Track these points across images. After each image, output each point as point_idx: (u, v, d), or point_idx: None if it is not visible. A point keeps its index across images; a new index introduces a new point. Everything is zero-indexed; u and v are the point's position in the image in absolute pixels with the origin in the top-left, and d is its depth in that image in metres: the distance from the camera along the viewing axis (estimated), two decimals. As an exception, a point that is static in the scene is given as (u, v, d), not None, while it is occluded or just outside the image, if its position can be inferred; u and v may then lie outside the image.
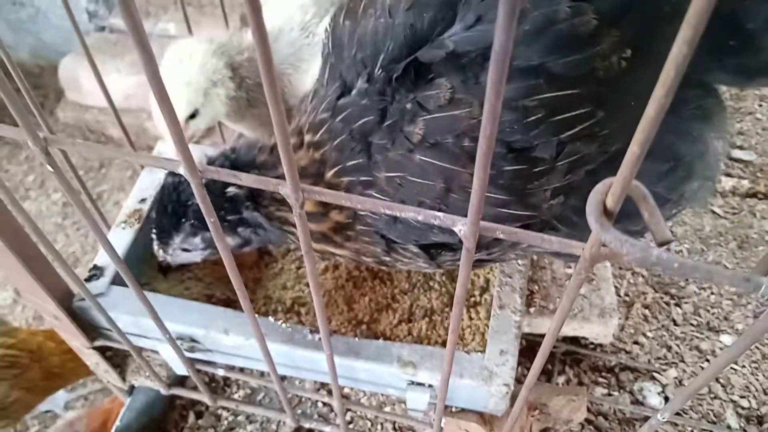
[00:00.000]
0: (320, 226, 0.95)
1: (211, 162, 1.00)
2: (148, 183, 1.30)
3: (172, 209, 1.00)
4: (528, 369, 1.34)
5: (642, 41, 0.80)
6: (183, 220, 1.00)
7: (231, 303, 1.32)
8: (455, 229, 0.51)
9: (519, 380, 1.33)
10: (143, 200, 1.28)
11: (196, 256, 1.07)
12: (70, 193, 0.62)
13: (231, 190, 0.97)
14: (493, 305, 1.14)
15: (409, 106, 0.84)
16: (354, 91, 0.91)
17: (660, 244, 0.39)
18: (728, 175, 1.63)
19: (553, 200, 0.86)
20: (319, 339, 1.10)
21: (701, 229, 1.54)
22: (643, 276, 1.45)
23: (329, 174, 0.91)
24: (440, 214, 0.52)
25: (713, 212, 1.57)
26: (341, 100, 0.91)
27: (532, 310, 1.31)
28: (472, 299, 1.28)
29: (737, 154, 1.68)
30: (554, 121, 0.80)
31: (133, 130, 2.13)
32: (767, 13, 0.91)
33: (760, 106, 1.78)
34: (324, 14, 1.27)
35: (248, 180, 0.53)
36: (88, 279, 1.16)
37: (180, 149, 0.48)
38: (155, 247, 1.05)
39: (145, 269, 1.24)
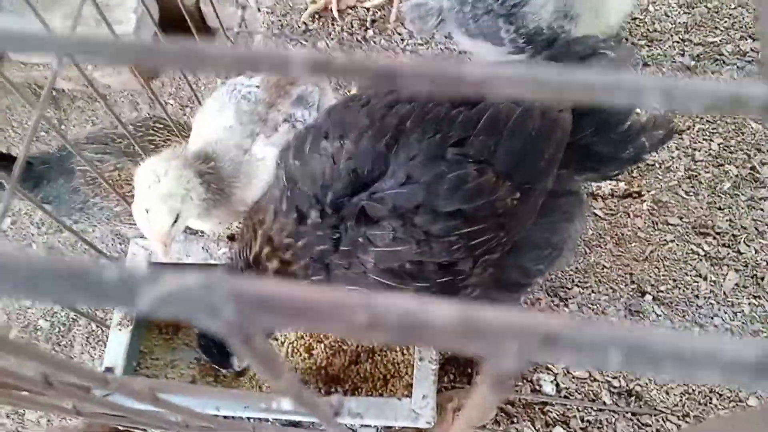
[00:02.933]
0: None
1: None
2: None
3: (213, 344, 1.39)
4: (454, 374, 1.75)
5: (526, 186, 1.19)
6: (225, 347, 1.37)
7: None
8: None
9: (445, 388, 1.74)
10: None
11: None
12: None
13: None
14: (415, 358, 1.51)
15: (360, 240, 1.17)
16: (309, 222, 1.23)
17: None
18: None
19: (474, 293, 1.26)
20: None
21: (584, 233, 1.89)
22: (538, 284, 1.83)
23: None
24: None
25: (595, 215, 1.92)
26: (300, 227, 1.24)
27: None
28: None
29: (618, 154, 1.99)
30: (471, 245, 1.18)
31: (81, 81, 2.29)
32: (612, 140, 1.29)
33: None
34: (249, 134, 1.51)
35: None
36: (104, 380, 1.50)
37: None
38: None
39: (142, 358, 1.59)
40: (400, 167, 1.17)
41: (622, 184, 1.95)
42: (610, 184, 1.95)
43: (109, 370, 1.51)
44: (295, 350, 1.68)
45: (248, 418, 1.47)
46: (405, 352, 1.62)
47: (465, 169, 1.14)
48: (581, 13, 1.57)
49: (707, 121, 2.03)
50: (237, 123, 1.49)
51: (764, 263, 1.84)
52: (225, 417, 1.47)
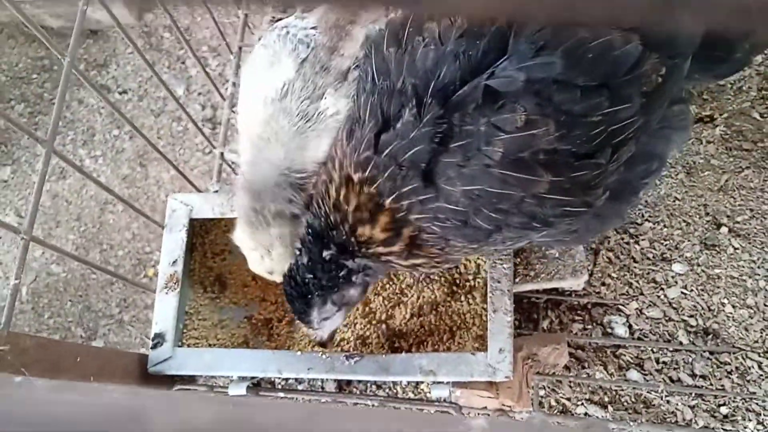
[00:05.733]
0: (399, 244, 1.15)
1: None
2: (174, 245, 1.48)
3: (297, 293, 1.20)
4: (519, 321, 1.65)
5: (671, 61, 1.07)
6: (309, 296, 1.20)
7: (269, 321, 1.58)
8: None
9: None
10: (174, 262, 1.46)
11: (337, 319, 1.27)
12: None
13: (326, 254, 1.17)
14: (488, 309, 1.40)
15: (483, 128, 1.01)
16: (400, 124, 1.06)
17: None
18: (676, 102, 1.80)
19: (603, 196, 1.12)
20: (356, 362, 1.38)
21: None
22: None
23: (388, 201, 1.10)
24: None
25: (664, 144, 1.77)
26: (383, 136, 1.08)
27: (518, 279, 1.58)
28: (467, 284, 1.53)
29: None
30: (611, 130, 1.05)
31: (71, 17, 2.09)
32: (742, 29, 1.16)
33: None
34: (314, 89, 1.29)
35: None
36: (154, 347, 1.40)
37: None
38: (307, 331, 1.28)
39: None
40: (524, 41, 0.99)
41: (693, 108, 1.79)
42: (677, 108, 1.79)
43: (158, 336, 1.41)
44: (352, 304, 1.57)
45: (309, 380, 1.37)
46: (471, 301, 1.51)
47: (609, 35, 0.99)
48: None
49: (781, 33, 1.84)
50: (299, 77, 1.28)
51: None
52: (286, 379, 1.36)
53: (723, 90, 1.81)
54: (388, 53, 1.11)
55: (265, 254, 1.29)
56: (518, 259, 1.58)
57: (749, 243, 1.66)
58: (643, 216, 1.71)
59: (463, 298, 1.53)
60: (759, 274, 1.63)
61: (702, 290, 1.63)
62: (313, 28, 1.33)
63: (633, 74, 1.03)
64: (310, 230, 1.19)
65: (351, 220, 1.14)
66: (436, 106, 1.02)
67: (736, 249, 1.66)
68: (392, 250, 1.17)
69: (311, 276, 1.18)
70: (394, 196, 1.09)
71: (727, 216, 1.69)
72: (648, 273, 1.65)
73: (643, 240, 1.68)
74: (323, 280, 1.18)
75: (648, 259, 1.67)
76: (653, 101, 1.08)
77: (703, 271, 1.64)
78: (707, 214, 1.70)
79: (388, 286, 1.57)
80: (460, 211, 1.07)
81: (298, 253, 1.20)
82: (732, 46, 1.21)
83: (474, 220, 1.08)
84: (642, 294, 1.64)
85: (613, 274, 1.65)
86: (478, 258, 1.54)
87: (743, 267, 1.64)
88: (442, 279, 1.57)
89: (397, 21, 1.12)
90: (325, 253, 1.17)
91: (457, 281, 1.54)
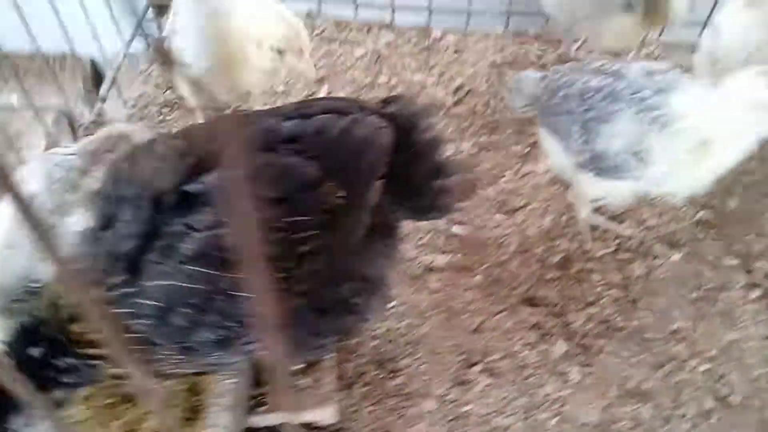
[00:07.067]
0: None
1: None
2: None
3: None
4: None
5: (351, 187, 1.24)
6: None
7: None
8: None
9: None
10: None
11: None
12: None
13: (32, 350, 1.18)
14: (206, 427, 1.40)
15: (179, 228, 1.13)
16: (116, 224, 1.18)
17: None
18: (444, 251, 1.97)
19: (298, 302, 1.22)
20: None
21: (418, 305, 1.86)
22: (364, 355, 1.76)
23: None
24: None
25: (428, 288, 1.90)
26: (99, 233, 1.18)
27: (261, 409, 1.58)
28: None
29: (455, 230, 2.02)
30: (295, 238, 1.18)
31: None
32: (427, 166, 1.38)
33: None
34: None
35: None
36: None
37: None
38: None
39: None
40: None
41: (459, 256, 1.96)
42: (444, 258, 1.96)
43: None
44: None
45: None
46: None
47: (293, 159, 1.20)
48: (654, 165, 1.55)
49: (541, 200, 2.10)
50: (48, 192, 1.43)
51: (592, 333, 1.83)
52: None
53: (485, 245, 2.00)
54: (120, 167, 1.28)
55: None
56: (262, 389, 1.61)
57: (500, 381, 1.74)
58: (403, 353, 1.78)
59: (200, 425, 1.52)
60: (506, 412, 1.68)
61: (449, 428, 1.66)
62: (72, 154, 1.51)
63: (312, 192, 1.21)
64: (20, 326, 1.23)
65: (65, 315, 1.20)
66: (148, 210, 1.17)
67: (486, 386, 1.72)
68: (103, 353, 1.21)
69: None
70: (106, 285, 1.17)
71: (480, 355, 1.78)
72: (400, 409, 1.68)
73: (399, 376, 1.74)
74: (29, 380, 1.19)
75: (402, 394, 1.71)
76: (336, 221, 1.24)
77: (451, 408, 1.68)
78: (462, 353, 1.79)
79: (129, 410, 1.56)
80: (158, 307, 1.15)
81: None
82: (419, 189, 1.40)
83: (170, 317, 1.16)
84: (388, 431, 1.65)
85: (367, 409, 1.68)
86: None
87: (492, 404, 1.70)
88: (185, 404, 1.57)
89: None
90: (30, 350, 1.20)
91: (197, 406, 1.54)
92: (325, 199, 1.22)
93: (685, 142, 1.47)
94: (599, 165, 1.60)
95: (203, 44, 1.79)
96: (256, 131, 1.28)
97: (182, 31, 1.82)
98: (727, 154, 1.49)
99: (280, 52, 1.80)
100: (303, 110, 1.36)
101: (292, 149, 1.24)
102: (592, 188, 1.76)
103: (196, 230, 1.13)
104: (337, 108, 1.37)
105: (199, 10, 1.78)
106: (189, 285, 1.14)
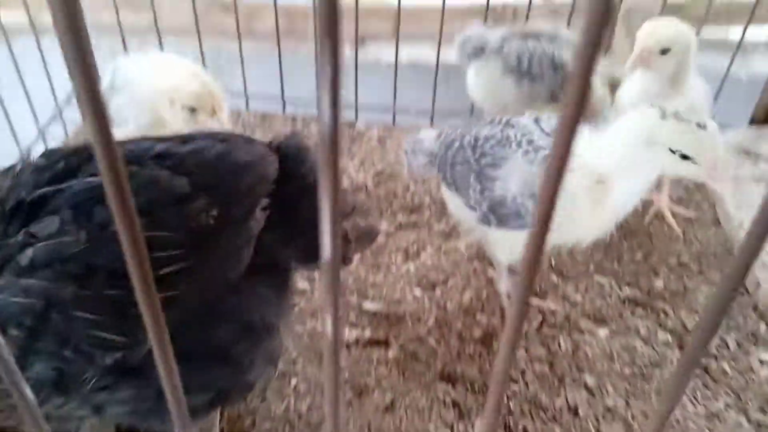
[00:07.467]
0: None
1: None
2: None
3: None
4: None
5: (225, 208, 1.14)
6: None
7: None
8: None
9: None
10: None
11: None
12: None
13: None
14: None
15: (21, 238, 1.00)
16: None
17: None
18: (354, 326, 1.80)
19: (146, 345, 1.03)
20: None
21: (322, 382, 1.65)
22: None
23: None
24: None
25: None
26: None
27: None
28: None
29: (367, 306, 1.87)
30: (153, 256, 0.99)
31: None
32: (315, 203, 1.26)
33: (391, 258, 2.02)
34: None
35: None
36: None
37: None
38: None
39: None
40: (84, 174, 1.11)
41: (367, 331, 1.79)
42: (356, 331, 1.78)
43: None
44: None
45: None
46: None
47: (160, 172, 1.10)
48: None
49: (462, 276, 1.98)
50: None
51: (517, 410, 1.64)
52: None
53: (402, 319, 1.84)
54: None
55: None
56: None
57: (411, 464, 1.50)
58: (304, 435, 1.55)
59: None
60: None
61: None
62: None
63: (179, 206, 1.10)
64: None
65: None
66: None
67: (397, 471, 1.49)
68: None
69: None
70: None
71: (390, 435, 1.56)
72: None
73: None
74: None
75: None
76: (207, 243, 1.12)
77: None
78: (370, 431, 1.56)
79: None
80: None
81: None
82: (307, 228, 1.28)
83: None
84: None
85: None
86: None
87: (402, 490, 1.45)
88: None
89: None
90: None
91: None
92: (194, 215, 1.10)
93: (579, 181, 1.41)
94: (499, 212, 1.51)
95: (136, 104, 1.75)
96: (125, 148, 1.18)
97: (120, 90, 1.78)
98: (625, 191, 1.43)
99: (192, 111, 1.75)
100: (183, 138, 1.28)
101: (161, 165, 1.15)
102: (501, 246, 1.66)
103: (37, 239, 1.00)
104: (220, 136, 1.30)
105: (130, 69, 1.77)
106: (22, 300, 0.98)
